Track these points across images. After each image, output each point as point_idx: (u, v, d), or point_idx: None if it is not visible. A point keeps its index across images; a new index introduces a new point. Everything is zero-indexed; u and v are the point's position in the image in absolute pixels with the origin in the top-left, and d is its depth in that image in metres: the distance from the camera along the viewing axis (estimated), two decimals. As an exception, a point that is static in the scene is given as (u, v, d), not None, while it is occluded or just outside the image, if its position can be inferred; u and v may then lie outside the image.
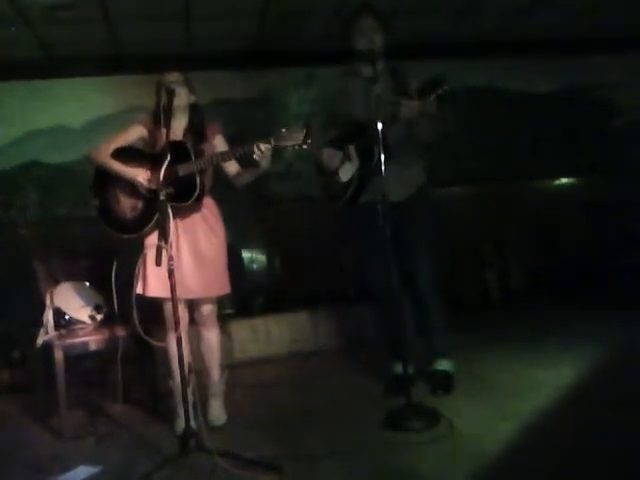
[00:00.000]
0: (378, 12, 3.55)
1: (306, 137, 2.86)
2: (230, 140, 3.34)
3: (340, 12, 4.83)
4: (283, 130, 2.90)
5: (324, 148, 3.57)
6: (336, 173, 3.52)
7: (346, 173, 3.48)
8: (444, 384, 3.47)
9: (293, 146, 2.90)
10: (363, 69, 3.49)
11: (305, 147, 2.89)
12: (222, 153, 3.13)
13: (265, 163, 3.01)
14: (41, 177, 5.52)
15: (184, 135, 3.24)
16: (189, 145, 3.08)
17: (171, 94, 3.04)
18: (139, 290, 3.09)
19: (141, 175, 3.13)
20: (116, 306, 3.18)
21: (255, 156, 2.95)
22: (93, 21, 4.76)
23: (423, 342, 3.63)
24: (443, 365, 3.58)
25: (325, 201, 3.69)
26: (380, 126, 3.08)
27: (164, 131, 2.92)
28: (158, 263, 2.78)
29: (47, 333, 3.49)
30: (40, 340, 3.51)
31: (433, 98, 3.15)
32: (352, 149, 3.45)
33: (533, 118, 6.41)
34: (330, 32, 5.21)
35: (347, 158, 3.47)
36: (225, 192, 3.40)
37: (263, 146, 2.92)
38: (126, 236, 3.19)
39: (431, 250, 3.55)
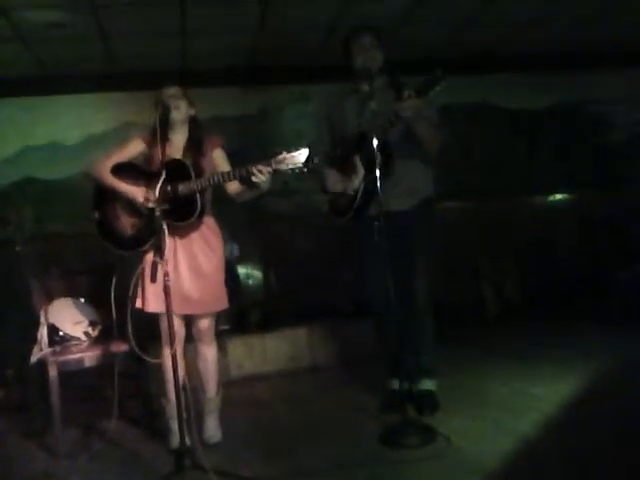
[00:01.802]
0: (377, 29, 3.57)
1: (307, 161, 2.84)
2: (230, 155, 3.33)
3: (335, 28, 4.87)
4: (284, 152, 2.85)
5: (327, 168, 3.57)
6: (342, 193, 3.52)
7: (353, 186, 3.47)
8: (429, 404, 3.43)
9: (293, 170, 2.87)
10: (360, 86, 3.50)
11: (306, 171, 2.86)
12: (222, 174, 3.11)
13: (265, 185, 2.99)
14: (36, 193, 5.53)
15: (184, 149, 3.24)
16: (189, 164, 3.08)
17: (167, 109, 3.05)
18: (139, 304, 3.09)
19: (139, 193, 3.12)
20: (114, 322, 3.16)
21: (254, 178, 2.91)
22: (89, 38, 4.79)
23: (411, 360, 3.57)
24: (427, 385, 3.53)
25: (332, 217, 3.67)
26: (375, 142, 3.09)
27: (160, 147, 2.92)
28: (153, 279, 2.77)
29: (41, 350, 3.46)
30: (34, 357, 3.49)
31: (432, 94, 3.13)
32: (357, 160, 3.45)
33: (529, 134, 6.45)
34: (326, 48, 5.25)
35: (354, 171, 3.47)
36: (222, 207, 3.40)
37: (263, 168, 2.88)
38: (125, 252, 3.18)
39: (427, 266, 3.53)
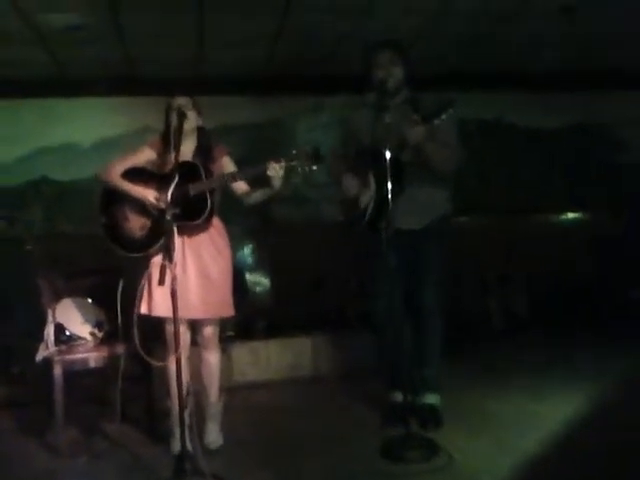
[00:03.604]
0: (399, 45, 3.57)
1: (316, 158, 2.90)
2: (238, 163, 3.36)
3: (351, 40, 4.88)
4: (294, 151, 2.97)
5: (344, 174, 3.59)
6: (356, 199, 3.54)
7: (365, 199, 3.49)
8: (433, 418, 3.42)
9: (303, 166, 2.94)
10: (376, 98, 3.51)
11: (315, 168, 2.94)
12: (233, 173, 3.17)
13: (277, 183, 3.03)
14: (49, 194, 5.57)
15: (193, 157, 3.26)
16: (200, 165, 3.11)
17: (182, 117, 3.09)
18: (144, 310, 3.09)
19: (150, 195, 3.16)
20: (120, 324, 3.18)
21: (268, 172, 2.97)
22: (107, 42, 4.83)
23: (415, 373, 3.57)
24: (431, 399, 3.52)
25: (346, 225, 3.68)
26: (388, 154, 3.10)
27: (174, 153, 2.95)
28: (161, 282, 2.79)
29: (47, 348, 3.48)
30: (40, 355, 3.50)
31: (437, 122, 3.16)
32: (370, 175, 3.46)
33: (543, 152, 6.44)
34: (341, 59, 5.27)
35: (365, 185, 3.48)
36: (232, 215, 3.42)
37: (275, 165, 2.95)
38: (133, 255, 3.20)
39: (437, 283, 3.51)
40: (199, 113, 3.31)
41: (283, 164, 2.96)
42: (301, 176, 3.04)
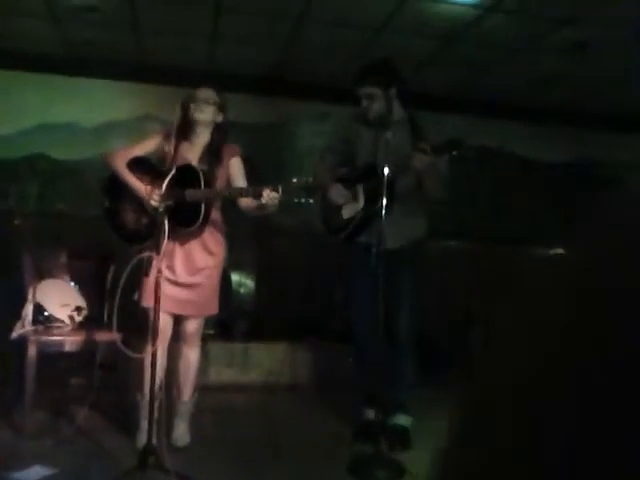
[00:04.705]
0: (382, 73, 3.45)
1: (314, 191, 2.88)
2: (246, 161, 3.35)
3: (364, 55, 4.89)
4: (294, 180, 2.89)
5: (333, 184, 3.58)
6: (340, 208, 3.53)
7: (349, 211, 3.49)
8: (402, 439, 3.40)
9: (299, 199, 2.90)
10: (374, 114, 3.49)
11: (312, 202, 2.93)
12: (231, 190, 3.16)
13: (271, 209, 3.00)
14: (45, 171, 5.52)
15: (202, 153, 3.25)
16: (201, 172, 3.08)
17: (187, 111, 3.08)
18: (138, 297, 3.12)
19: (142, 189, 3.14)
20: (106, 311, 3.15)
21: (263, 200, 2.91)
22: (120, 26, 4.82)
23: (388, 394, 3.54)
24: (401, 420, 3.51)
25: (324, 232, 3.68)
26: (387, 171, 3.10)
27: (174, 147, 2.94)
28: (147, 274, 2.78)
29: (24, 327, 3.45)
30: (16, 333, 3.47)
31: (446, 158, 3.18)
32: (360, 190, 3.46)
33: (541, 185, 6.44)
34: (351, 72, 5.27)
35: (354, 197, 3.48)
36: (224, 214, 3.41)
37: (271, 194, 2.88)
38: (129, 244, 3.20)
39: (411, 304, 3.52)
40: (221, 108, 3.27)
41: (278, 195, 2.88)
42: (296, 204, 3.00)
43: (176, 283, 3.15)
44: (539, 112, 6.22)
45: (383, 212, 3.09)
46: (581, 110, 6.22)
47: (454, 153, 3.13)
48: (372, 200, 3.32)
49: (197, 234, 3.18)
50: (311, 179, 2.93)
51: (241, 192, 3.07)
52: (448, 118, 5.20)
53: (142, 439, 2.97)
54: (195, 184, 3.04)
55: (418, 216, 3.56)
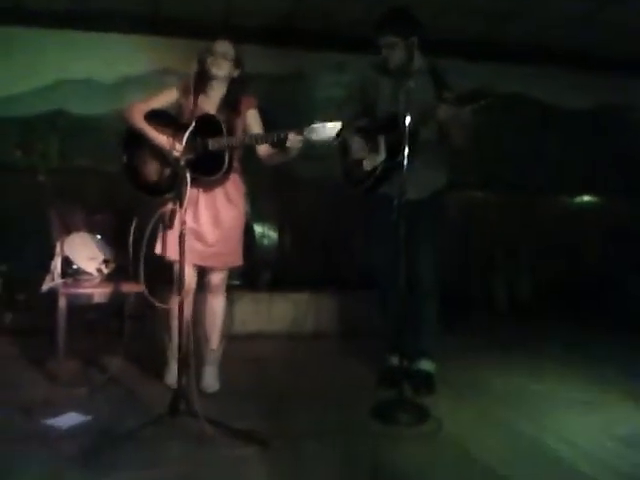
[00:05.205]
0: (399, 21, 3.43)
1: (338, 134, 2.88)
2: (262, 112, 3.34)
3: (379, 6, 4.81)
4: (317, 124, 2.88)
5: (354, 135, 3.56)
6: (360, 161, 3.52)
7: (371, 163, 3.47)
8: (426, 384, 3.46)
9: (323, 142, 2.90)
10: (394, 64, 3.45)
11: (335, 144, 2.91)
12: (254, 136, 3.15)
13: (294, 153, 3.02)
14: (66, 126, 5.53)
15: (219, 105, 3.25)
16: (221, 120, 3.09)
17: (204, 64, 3.08)
18: (158, 250, 3.18)
19: (166, 141, 3.15)
20: (130, 263, 3.20)
21: (287, 144, 2.94)
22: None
23: (412, 339, 3.58)
24: (425, 365, 3.56)
25: (344, 184, 3.68)
26: (408, 120, 3.07)
27: (193, 99, 2.94)
28: (170, 226, 2.82)
29: (53, 280, 3.53)
30: (45, 286, 3.55)
31: (469, 109, 3.13)
32: (382, 141, 3.44)
33: (564, 132, 6.34)
34: (367, 19, 5.18)
35: (375, 149, 3.46)
36: (245, 165, 3.42)
37: (295, 137, 2.90)
38: (149, 197, 3.23)
39: (433, 253, 3.53)
40: (237, 62, 3.26)
41: (302, 138, 2.90)
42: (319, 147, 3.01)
43: (201, 236, 3.19)
44: (561, 56, 6.06)
45: (405, 163, 3.07)
46: (603, 54, 6.04)
47: (482, 103, 3.08)
48: (394, 152, 3.29)
49: (221, 182, 3.21)
50: (331, 120, 2.89)
51: (266, 138, 3.07)
52: (467, 66, 5.11)
53: (171, 378, 3.10)
54: (217, 133, 3.05)
55: (439, 167, 3.55)
